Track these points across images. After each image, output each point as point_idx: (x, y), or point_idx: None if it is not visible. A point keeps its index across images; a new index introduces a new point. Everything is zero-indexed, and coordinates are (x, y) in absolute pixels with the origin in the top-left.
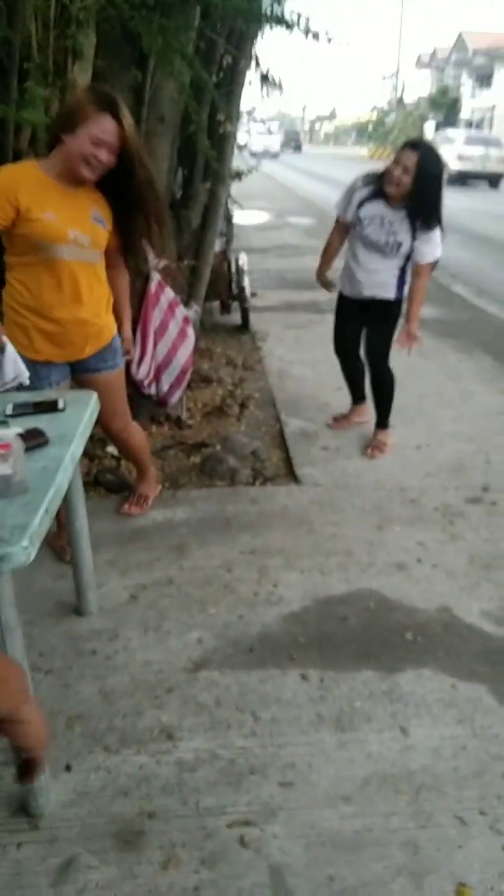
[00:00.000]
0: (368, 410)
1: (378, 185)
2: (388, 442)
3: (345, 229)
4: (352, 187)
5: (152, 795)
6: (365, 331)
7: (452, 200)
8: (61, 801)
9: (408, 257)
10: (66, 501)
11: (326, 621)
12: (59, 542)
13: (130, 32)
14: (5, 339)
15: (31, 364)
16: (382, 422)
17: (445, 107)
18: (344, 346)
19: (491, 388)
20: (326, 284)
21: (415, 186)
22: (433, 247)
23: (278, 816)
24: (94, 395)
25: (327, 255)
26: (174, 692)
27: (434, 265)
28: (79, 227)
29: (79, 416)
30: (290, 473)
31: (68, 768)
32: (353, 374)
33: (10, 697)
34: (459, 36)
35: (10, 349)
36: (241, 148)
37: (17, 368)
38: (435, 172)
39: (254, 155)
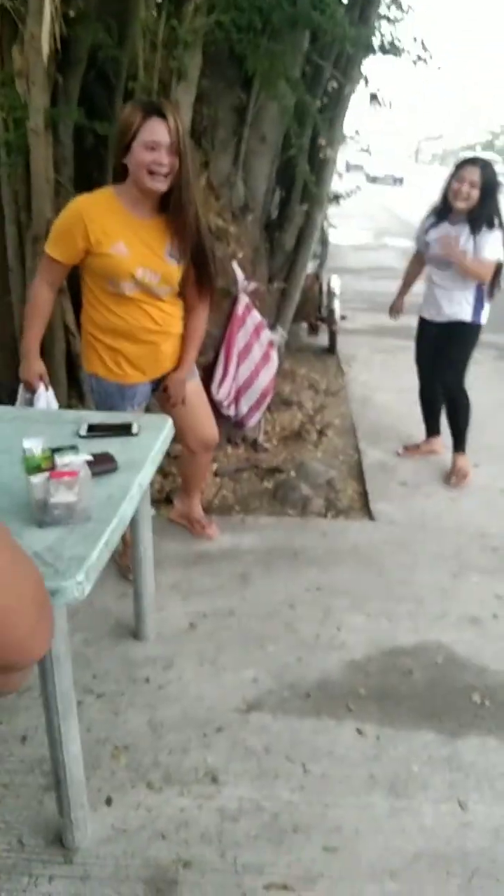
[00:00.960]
0: (441, 443)
1: (440, 207)
2: (468, 468)
3: (421, 259)
4: (423, 218)
5: (190, 842)
6: (438, 353)
7: None
8: (98, 837)
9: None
10: (132, 525)
11: (389, 673)
12: (124, 560)
13: (237, 54)
14: (43, 382)
15: (117, 386)
16: (459, 445)
17: None
18: (421, 368)
19: None
20: (394, 309)
21: (482, 196)
22: (490, 242)
23: (318, 884)
24: (170, 421)
25: (405, 284)
26: (223, 732)
27: (499, 271)
28: (150, 265)
29: (152, 441)
30: (364, 507)
31: (109, 802)
32: (429, 400)
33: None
34: None
35: (46, 392)
36: (349, 169)
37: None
38: (496, 182)
39: (373, 180)
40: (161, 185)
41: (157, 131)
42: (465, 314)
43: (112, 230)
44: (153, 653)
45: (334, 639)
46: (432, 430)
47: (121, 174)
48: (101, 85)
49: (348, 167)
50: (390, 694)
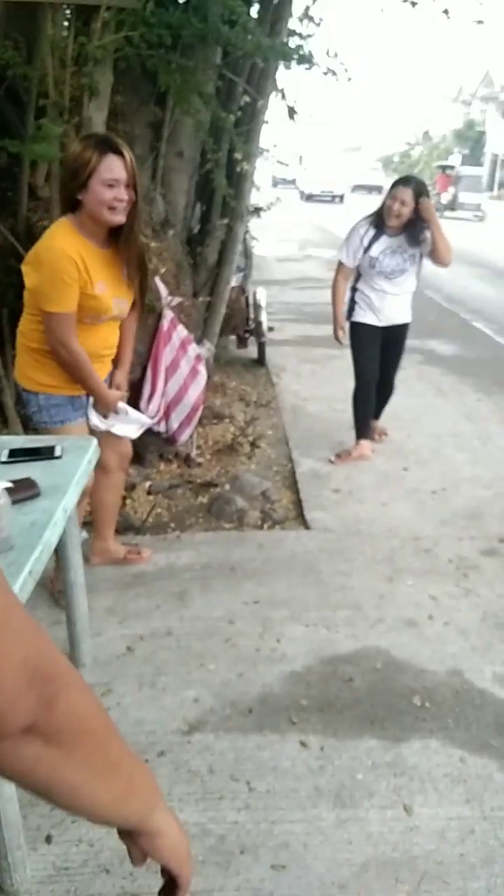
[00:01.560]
0: (371, 445)
1: (378, 223)
2: (385, 428)
3: (348, 274)
4: (352, 235)
5: (136, 874)
6: (384, 351)
7: (473, 235)
8: (39, 877)
9: (418, 270)
10: (60, 550)
11: (330, 682)
12: (55, 586)
13: (149, 70)
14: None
15: (68, 398)
16: (378, 415)
17: (471, 140)
18: (371, 372)
19: None
20: (339, 331)
21: (415, 213)
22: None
23: None
24: (94, 442)
25: (340, 303)
26: (166, 756)
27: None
28: (120, 295)
29: (76, 463)
30: (300, 517)
31: (49, 839)
32: (369, 401)
33: (140, 800)
34: (487, 73)
35: (126, 408)
36: (276, 184)
37: (139, 419)
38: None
39: (309, 198)
40: (121, 218)
41: (114, 168)
42: (408, 317)
43: (93, 271)
44: (90, 679)
45: (274, 651)
46: (365, 432)
47: (71, 207)
48: (11, 103)
49: (275, 182)
50: (332, 703)
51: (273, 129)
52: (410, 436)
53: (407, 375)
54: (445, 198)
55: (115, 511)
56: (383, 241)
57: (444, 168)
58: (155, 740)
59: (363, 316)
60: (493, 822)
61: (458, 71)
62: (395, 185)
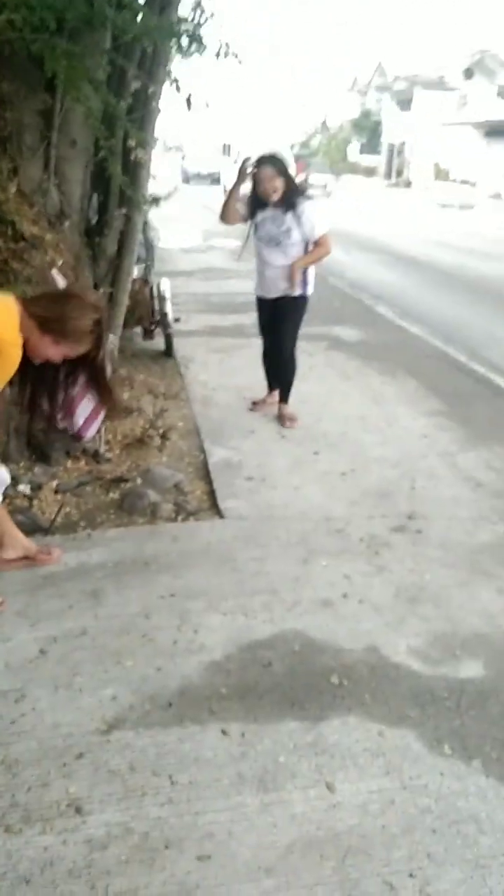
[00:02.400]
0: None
1: (256, 200)
2: (294, 413)
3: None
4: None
5: (58, 881)
6: (276, 323)
7: (377, 224)
8: None
9: (305, 247)
10: None
11: (249, 668)
12: None
13: (35, 56)
14: None
15: None
16: (286, 397)
17: (368, 130)
18: (263, 338)
19: (415, 412)
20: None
21: (286, 186)
22: (317, 216)
23: None
24: None
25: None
26: (84, 758)
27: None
28: None
29: None
30: (213, 507)
31: None
32: (269, 362)
33: None
34: (379, 64)
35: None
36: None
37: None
38: (286, 169)
39: (188, 180)
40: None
41: (78, 353)
42: (297, 290)
43: None
44: (2, 686)
45: (192, 642)
46: (273, 385)
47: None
48: None
49: (187, 177)
50: (252, 689)
51: (169, 119)
52: (320, 420)
53: (315, 362)
54: (300, 178)
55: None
56: (268, 211)
57: (297, 157)
58: (73, 742)
59: (256, 288)
60: (412, 791)
61: (352, 61)
62: (257, 166)
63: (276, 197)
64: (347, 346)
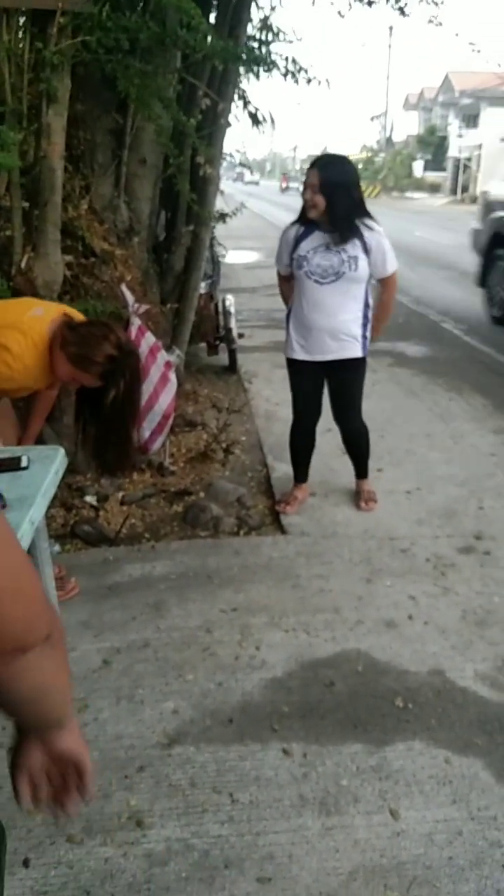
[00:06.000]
0: (306, 490)
1: (306, 217)
2: (374, 489)
3: (289, 280)
4: (283, 235)
5: (117, 895)
6: (331, 392)
7: (439, 236)
8: None
9: (367, 288)
10: None
11: (311, 687)
12: None
13: (108, 76)
14: None
15: None
16: (365, 473)
17: (433, 146)
18: (307, 419)
19: (482, 429)
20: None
21: (326, 199)
22: (387, 251)
23: None
24: (61, 451)
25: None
26: (146, 771)
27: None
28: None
29: (43, 473)
30: (275, 522)
31: (26, 863)
32: (308, 448)
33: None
34: (446, 77)
35: None
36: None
37: None
38: (339, 180)
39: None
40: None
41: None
42: (356, 349)
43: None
44: None
45: (254, 658)
46: (299, 474)
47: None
48: None
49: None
50: (314, 709)
51: (236, 137)
52: (384, 437)
53: (379, 377)
54: (282, 186)
55: None
56: (315, 238)
57: (283, 173)
58: (134, 755)
59: (291, 350)
60: (480, 823)
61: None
62: (308, 169)
63: (313, 214)
64: (412, 362)
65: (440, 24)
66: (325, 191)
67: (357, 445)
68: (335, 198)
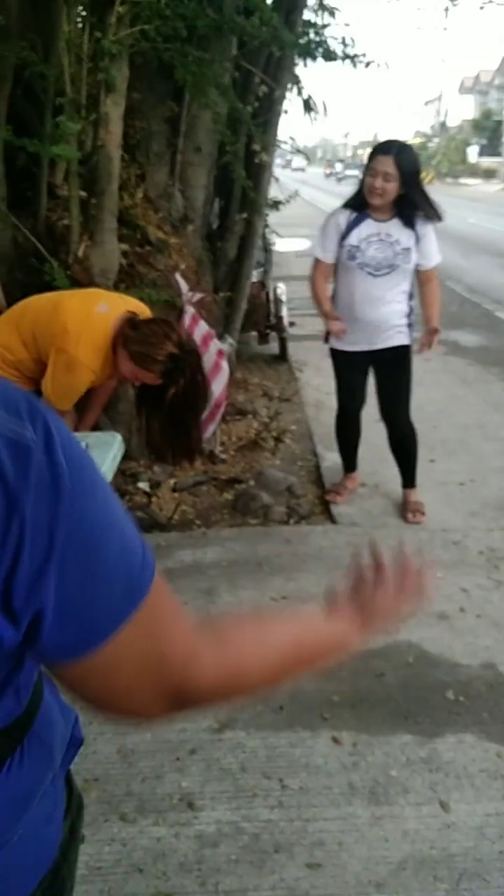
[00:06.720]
0: (356, 480)
1: (356, 201)
2: (421, 500)
3: (329, 272)
4: (328, 222)
5: (169, 874)
6: (378, 385)
7: (494, 223)
8: None
9: (412, 279)
10: None
11: (362, 678)
12: None
13: (166, 65)
14: None
15: None
16: (412, 481)
17: (489, 130)
18: (353, 409)
19: None
20: (335, 331)
21: (402, 189)
22: (434, 243)
23: None
24: (119, 438)
25: (323, 297)
26: (197, 754)
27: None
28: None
29: (101, 460)
30: (325, 511)
31: (82, 839)
32: (355, 438)
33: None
34: (503, 61)
35: None
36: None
37: None
38: (414, 169)
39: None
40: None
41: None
42: (403, 336)
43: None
44: None
45: None
46: (352, 464)
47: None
48: (29, 102)
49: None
50: (364, 698)
51: (288, 124)
52: (436, 427)
53: (431, 366)
54: (326, 172)
55: None
56: (368, 226)
57: (327, 160)
58: (185, 738)
59: (337, 340)
60: None
61: (474, 59)
62: (372, 154)
63: (378, 201)
64: (466, 352)
65: (501, 2)
66: (403, 179)
67: (404, 449)
68: (411, 187)
